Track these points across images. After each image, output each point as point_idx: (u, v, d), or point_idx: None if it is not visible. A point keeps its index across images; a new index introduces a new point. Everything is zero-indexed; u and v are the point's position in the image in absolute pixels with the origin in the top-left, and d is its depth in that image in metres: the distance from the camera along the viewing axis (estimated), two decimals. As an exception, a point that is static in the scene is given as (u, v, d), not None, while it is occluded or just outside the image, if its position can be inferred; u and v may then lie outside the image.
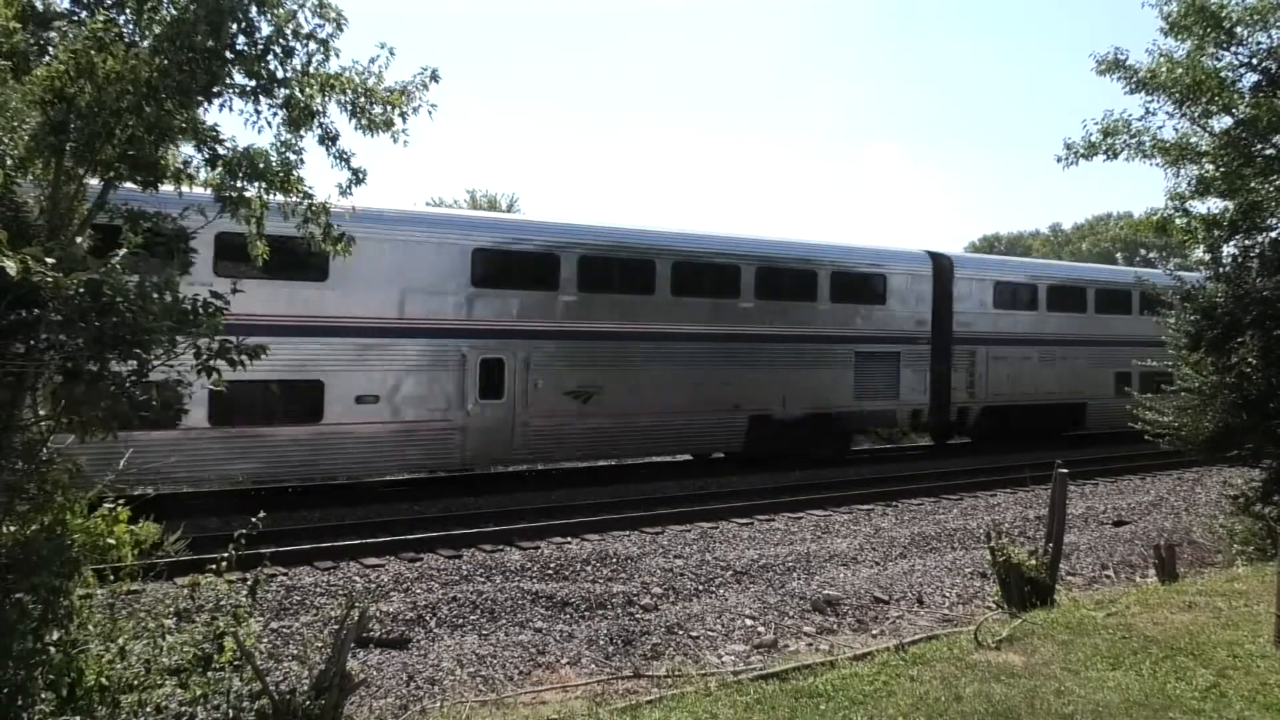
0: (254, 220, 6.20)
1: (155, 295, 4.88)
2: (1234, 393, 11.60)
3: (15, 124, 4.74)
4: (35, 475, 5.00)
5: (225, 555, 5.53)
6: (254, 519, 5.73)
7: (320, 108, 6.04)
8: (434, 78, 6.30)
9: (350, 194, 6.34)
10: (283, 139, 6.06)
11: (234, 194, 5.95)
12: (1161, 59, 11.97)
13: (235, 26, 5.52)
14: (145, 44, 5.33)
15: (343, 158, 6.24)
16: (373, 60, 6.11)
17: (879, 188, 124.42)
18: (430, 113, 6.32)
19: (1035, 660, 6.85)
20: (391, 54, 6.15)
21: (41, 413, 5.04)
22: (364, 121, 6.15)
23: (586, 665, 8.00)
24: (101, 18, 5.16)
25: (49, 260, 4.22)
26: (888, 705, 5.98)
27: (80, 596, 5.22)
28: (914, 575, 11.04)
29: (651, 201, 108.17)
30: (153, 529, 5.62)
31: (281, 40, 5.74)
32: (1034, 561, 8.71)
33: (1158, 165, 12.43)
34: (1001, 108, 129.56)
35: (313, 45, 5.86)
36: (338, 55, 5.97)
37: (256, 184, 5.91)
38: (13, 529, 4.84)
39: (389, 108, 6.17)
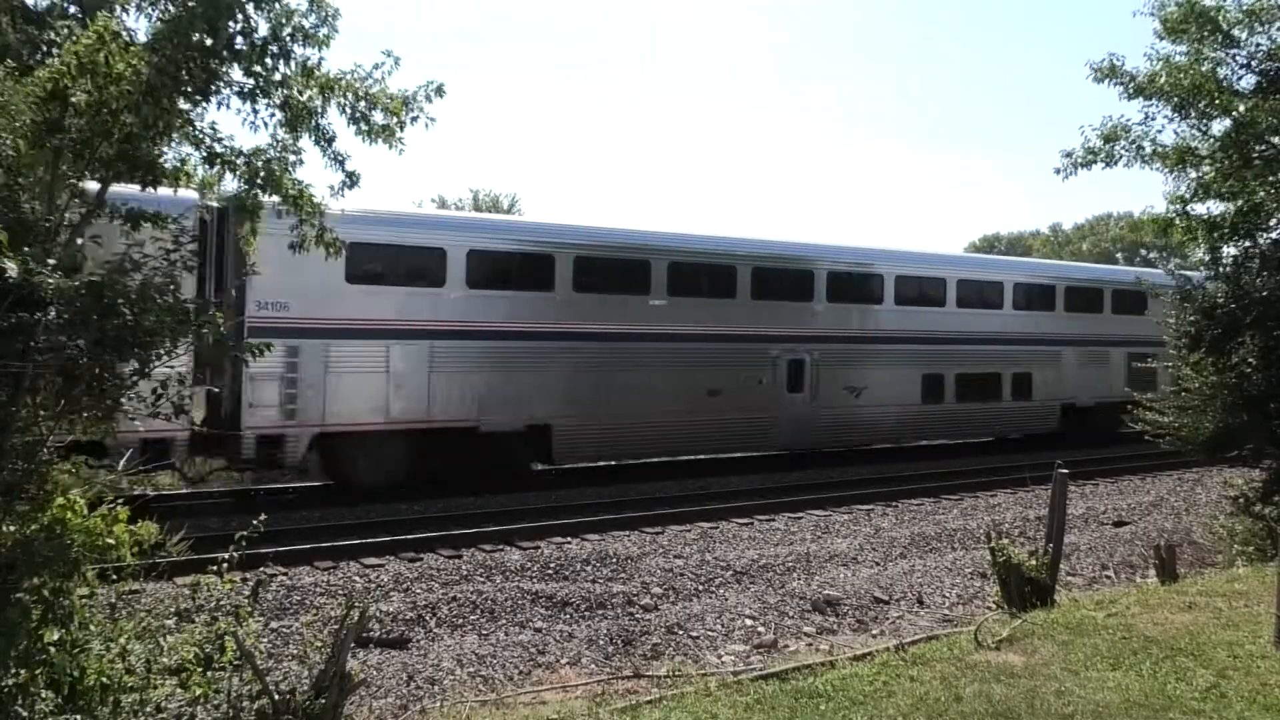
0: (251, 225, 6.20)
1: (156, 296, 4.88)
2: (1234, 393, 11.61)
3: (17, 123, 4.74)
4: (35, 475, 5.00)
5: (226, 556, 5.52)
6: (255, 520, 5.71)
7: (318, 108, 6.03)
8: (439, 92, 6.27)
9: (344, 195, 6.33)
10: (279, 138, 6.05)
11: (252, 202, 5.97)
12: (1159, 63, 11.96)
13: (233, 25, 5.51)
14: (140, 40, 5.33)
15: (338, 159, 6.23)
16: (376, 66, 6.09)
17: (879, 186, 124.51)
18: (428, 125, 6.30)
19: (1035, 660, 6.85)
20: (397, 62, 6.13)
21: (41, 413, 5.03)
22: (363, 128, 6.13)
23: (586, 665, 8.00)
24: (103, 15, 5.16)
25: (50, 262, 4.22)
26: (888, 705, 5.98)
27: (81, 596, 5.21)
28: (914, 575, 11.03)
29: (651, 200, 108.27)
30: (153, 529, 5.60)
31: (279, 40, 5.73)
32: (1034, 562, 8.71)
33: (1158, 170, 12.45)
34: (1003, 107, 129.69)
35: (310, 47, 5.85)
36: (325, 62, 5.97)
37: (269, 193, 5.92)
38: (12, 529, 4.83)
39: (389, 115, 6.14)
